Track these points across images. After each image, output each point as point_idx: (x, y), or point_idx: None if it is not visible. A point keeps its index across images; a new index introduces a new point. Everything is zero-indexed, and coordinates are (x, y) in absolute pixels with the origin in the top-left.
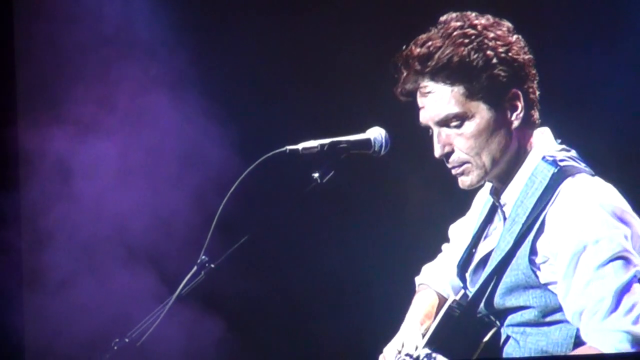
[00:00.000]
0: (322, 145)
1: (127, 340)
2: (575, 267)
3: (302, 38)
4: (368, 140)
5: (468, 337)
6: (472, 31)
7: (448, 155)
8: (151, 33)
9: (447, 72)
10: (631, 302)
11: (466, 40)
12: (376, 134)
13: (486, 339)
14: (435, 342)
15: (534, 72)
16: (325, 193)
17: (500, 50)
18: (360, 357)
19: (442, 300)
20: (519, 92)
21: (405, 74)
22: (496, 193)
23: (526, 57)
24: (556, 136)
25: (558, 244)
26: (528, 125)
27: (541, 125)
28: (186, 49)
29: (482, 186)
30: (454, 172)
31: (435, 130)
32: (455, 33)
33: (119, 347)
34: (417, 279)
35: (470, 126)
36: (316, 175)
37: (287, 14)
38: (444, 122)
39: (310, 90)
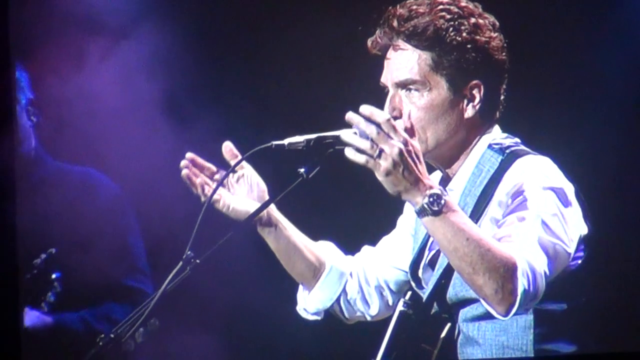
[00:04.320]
0: (309, 141)
1: (112, 335)
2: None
3: (290, 34)
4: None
5: (427, 337)
6: (457, 10)
7: (395, 119)
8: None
9: (420, 38)
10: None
11: (448, 16)
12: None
13: (442, 335)
14: (394, 348)
15: (504, 72)
16: (312, 188)
17: (477, 37)
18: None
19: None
20: (482, 85)
21: (383, 29)
22: (443, 186)
23: (500, 57)
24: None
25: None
26: (483, 120)
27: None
28: (175, 46)
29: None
30: None
31: (391, 91)
32: (440, 7)
33: (104, 343)
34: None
35: (425, 98)
36: (302, 170)
37: (273, 9)
38: (402, 85)
39: (297, 86)
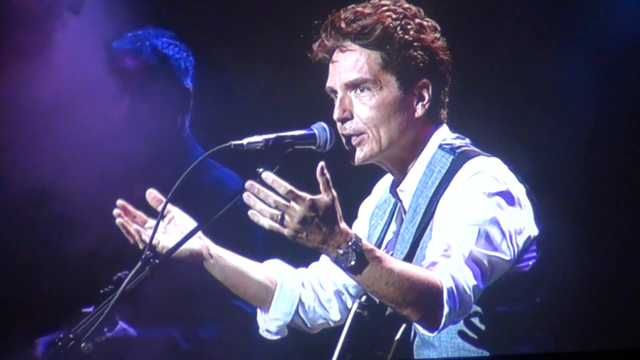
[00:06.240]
0: (267, 140)
1: (71, 336)
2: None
3: (251, 33)
4: (313, 135)
5: (381, 341)
6: (401, 10)
7: (345, 120)
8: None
9: (369, 37)
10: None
11: (394, 15)
12: (321, 129)
13: (397, 337)
14: (348, 351)
15: (448, 73)
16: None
17: (422, 36)
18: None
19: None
20: (430, 84)
21: (329, 32)
22: (395, 187)
23: (445, 57)
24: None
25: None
26: (431, 120)
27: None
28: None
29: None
30: (353, 142)
31: (340, 94)
32: (384, 8)
33: (62, 343)
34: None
35: (376, 97)
36: (261, 170)
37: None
38: (352, 86)
39: (256, 85)
